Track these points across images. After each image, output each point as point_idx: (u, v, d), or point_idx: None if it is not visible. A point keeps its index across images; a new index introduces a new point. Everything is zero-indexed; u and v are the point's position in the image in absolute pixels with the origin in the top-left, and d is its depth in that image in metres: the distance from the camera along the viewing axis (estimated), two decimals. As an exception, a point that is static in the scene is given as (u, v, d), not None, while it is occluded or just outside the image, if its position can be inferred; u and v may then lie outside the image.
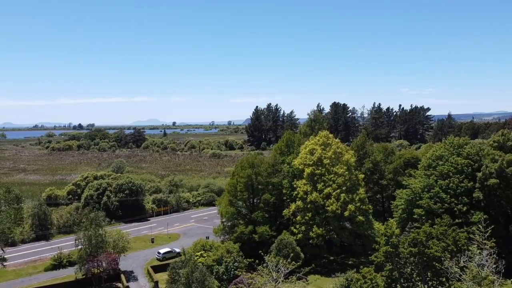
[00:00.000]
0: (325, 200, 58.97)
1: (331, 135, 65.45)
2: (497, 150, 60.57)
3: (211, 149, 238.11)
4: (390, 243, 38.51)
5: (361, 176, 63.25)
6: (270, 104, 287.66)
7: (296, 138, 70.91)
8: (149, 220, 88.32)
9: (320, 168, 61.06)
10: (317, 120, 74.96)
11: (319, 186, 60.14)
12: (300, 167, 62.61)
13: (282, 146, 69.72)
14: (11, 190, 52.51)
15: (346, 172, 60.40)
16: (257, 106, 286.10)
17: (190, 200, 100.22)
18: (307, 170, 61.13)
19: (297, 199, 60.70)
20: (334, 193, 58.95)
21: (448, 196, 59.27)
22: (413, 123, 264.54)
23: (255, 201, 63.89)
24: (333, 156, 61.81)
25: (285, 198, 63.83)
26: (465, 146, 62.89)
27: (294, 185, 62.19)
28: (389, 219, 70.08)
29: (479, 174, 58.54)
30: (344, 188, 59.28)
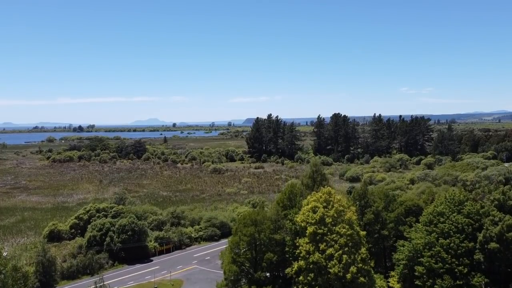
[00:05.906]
0: (327, 261, 59.48)
1: (333, 191, 65.78)
2: (497, 211, 61.13)
3: (212, 162, 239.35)
4: None
5: (363, 233, 63.71)
6: (271, 114, 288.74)
7: (298, 190, 71.29)
8: (152, 260, 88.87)
9: (322, 227, 61.47)
10: (318, 171, 75.51)
11: (321, 246, 60.57)
12: (302, 224, 63.04)
13: (284, 199, 70.07)
14: (18, 268, 53.09)
15: (348, 232, 60.86)
16: (257, 118, 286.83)
17: (192, 235, 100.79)
18: (310, 229, 61.48)
19: (300, 258, 61.19)
20: (336, 254, 59.43)
21: (449, 256, 59.96)
22: (413, 134, 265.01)
23: (257, 258, 64.41)
24: (335, 215, 62.23)
25: (287, 256, 64.32)
26: (466, 203, 63.54)
27: (297, 243, 62.64)
28: (390, 272, 71.15)
29: (480, 237, 59.22)
30: (346, 249, 59.76)
